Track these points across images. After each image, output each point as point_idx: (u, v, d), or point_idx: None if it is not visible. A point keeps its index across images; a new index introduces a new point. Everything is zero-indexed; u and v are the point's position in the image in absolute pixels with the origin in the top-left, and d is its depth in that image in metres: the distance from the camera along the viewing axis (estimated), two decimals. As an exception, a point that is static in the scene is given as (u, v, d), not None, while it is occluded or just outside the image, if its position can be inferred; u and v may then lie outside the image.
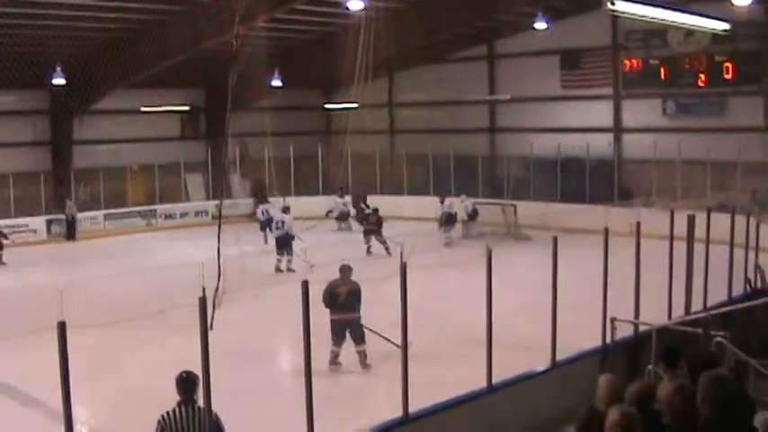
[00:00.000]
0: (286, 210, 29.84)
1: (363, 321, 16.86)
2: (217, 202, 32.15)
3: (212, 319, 12.86)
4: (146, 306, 14.10)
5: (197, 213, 40.76)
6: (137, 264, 28.51)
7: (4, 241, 31.62)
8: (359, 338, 16.87)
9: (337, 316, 16.66)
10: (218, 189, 35.73)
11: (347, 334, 16.83)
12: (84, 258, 31.23)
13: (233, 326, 18.21)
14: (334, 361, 16.80)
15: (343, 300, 16.62)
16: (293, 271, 26.25)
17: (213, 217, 36.70)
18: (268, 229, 32.13)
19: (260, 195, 39.54)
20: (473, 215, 35.18)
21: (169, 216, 41.20)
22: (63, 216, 37.18)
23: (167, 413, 9.00)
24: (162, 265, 28.24)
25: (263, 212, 34.41)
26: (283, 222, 28.73)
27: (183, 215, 40.86)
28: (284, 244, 28.27)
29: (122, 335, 16.68)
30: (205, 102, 43.71)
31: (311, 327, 10.39)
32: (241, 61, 22.77)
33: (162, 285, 18.66)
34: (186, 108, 43.23)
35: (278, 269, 27.61)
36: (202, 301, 9.54)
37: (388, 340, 14.99)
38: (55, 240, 36.40)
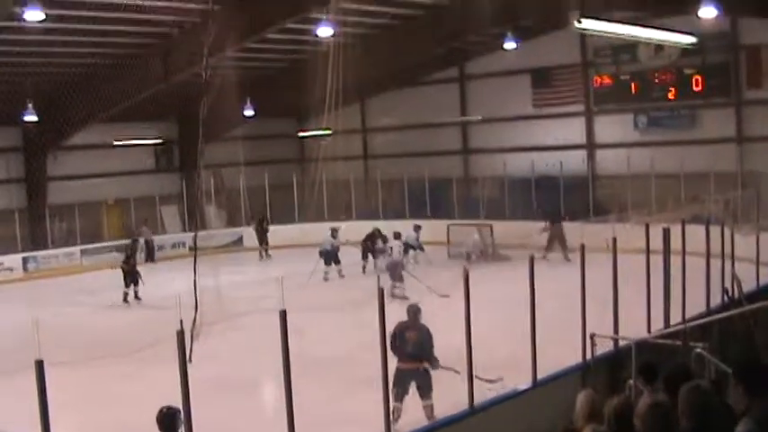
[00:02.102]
0: (398, 235, 30.04)
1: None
2: (193, 233, 32.11)
3: (191, 351, 12.83)
4: (125, 340, 14.09)
5: (173, 245, 40.52)
6: (116, 298, 28.50)
7: None
8: (426, 391, 14.49)
9: (404, 365, 14.33)
10: (193, 221, 35.66)
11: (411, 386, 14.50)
12: (61, 294, 31.08)
13: (212, 358, 18.12)
14: (397, 419, 13.88)
15: (411, 347, 14.36)
16: (407, 298, 24.32)
17: (190, 248, 36.54)
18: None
19: (261, 226, 39.34)
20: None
21: (145, 249, 40.95)
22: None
23: None
24: (140, 299, 28.32)
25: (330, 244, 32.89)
26: (391, 248, 29.05)
27: (159, 248, 40.67)
28: (394, 270, 27.55)
29: (103, 371, 16.60)
30: (178, 134, 43.62)
31: (291, 357, 10.37)
32: (212, 92, 22.77)
33: (141, 319, 18.64)
34: (160, 141, 43.15)
35: (393, 295, 25.86)
36: (180, 334, 9.52)
37: (481, 379, 13.96)
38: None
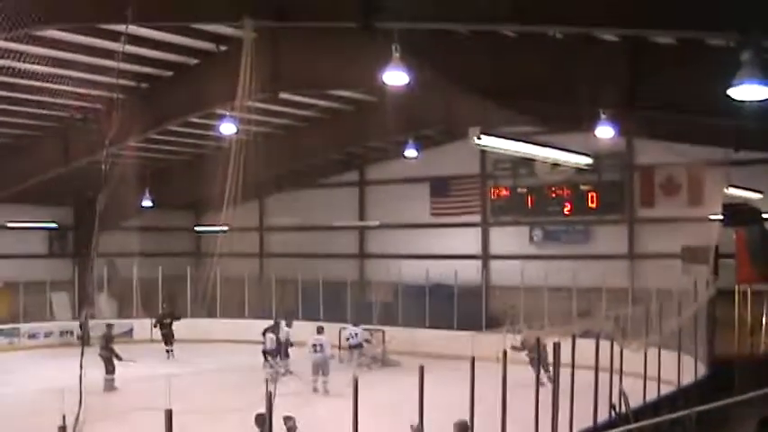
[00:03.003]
0: (321, 330, 30.33)
1: None
2: (82, 322, 31.50)
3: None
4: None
5: (62, 333, 39.63)
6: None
7: None
8: None
9: None
10: (83, 309, 35.08)
11: None
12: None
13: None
14: None
15: None
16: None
17: (78, 337, 35.91)
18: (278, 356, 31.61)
19: (167, 315, 38.22)
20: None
21: (33, 335, 39.99)
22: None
23: None
24: (22, 389, 27.56)
25: (272, 339, 31.96)
26: (322, 345, 29.27)
27: (47, 335, 39.82)
28: (323, 365, 28.75)
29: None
30: (74, 219, 43.07)
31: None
32: (111, 182, 22.55)
33: (23, 410, 18.14)
34: (54, 225, 42.52)
35: (315, 390, 28.11)
36: (62, 430, 9.33)
37: None
38: None
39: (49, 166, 33.92)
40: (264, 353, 31.49)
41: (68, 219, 43.12)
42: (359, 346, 33.59)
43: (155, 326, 37.55)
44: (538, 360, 20.10)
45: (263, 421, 12.03)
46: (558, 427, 17.15)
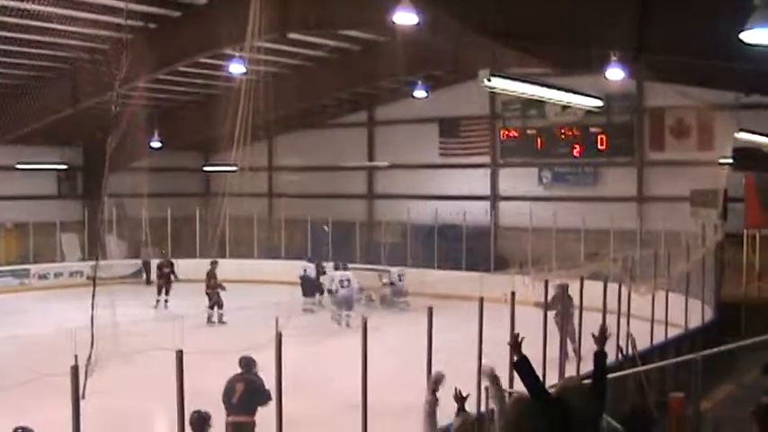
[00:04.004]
0: (346, 266, 32.21)
1: None
2: (92, 262, 31.50)
3: (84, 387, 12.64)
4: (17, 372, 13.77)
5: (72, 274, 39.83)
6: (9, 326, 27.85)
7: None
8: None
9: (228, 418, 13.91)
10: (93, 250, 35.09)
11: None
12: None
13: (105, 394, 17.82)
14: None
15: (236, 400, 13.97)
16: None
17: (88, 278, 35.91)
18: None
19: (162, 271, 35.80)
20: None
21: (43, 276, 40.25)
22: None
23: None
24: (35, 329, 27.68)
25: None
26: (349, 281, 30.33)
27: (57, 275, 40.00)
28: (348, 300, 29.91)
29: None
30: (83, 160, 43.05)
31: (187, 396, 10.28)
32: (120, 122, 22.57)
33: (34, 350, 18.24)
34: (64, 166, 42.46)
35: (338, 323, 29.32)
36: (74, 369, 9.38)
37: None
38: None
39: (58, 108, 33.80)
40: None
41: (78, 160, 43.06)
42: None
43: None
44: (562, 321, 19.95)
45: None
46: (564, 369, 17.24)
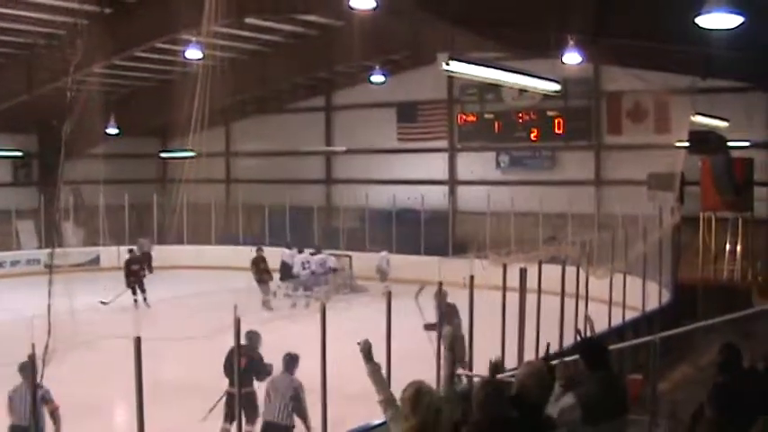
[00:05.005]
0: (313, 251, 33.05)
1: None
2: (49, 250, 31.22)
3: (42, 376, 12.56)
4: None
5: (28, 262, 39.54)
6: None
7: None
8: (250, 415, 14.79)
9: (231, 389, 14.82)
10: (50, 237, 34.84)
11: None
12: None
13: (63, 382, 17.66)
14: None
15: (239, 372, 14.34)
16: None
17: (45, 266, 35.62)
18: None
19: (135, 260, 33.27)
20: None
21: (-1, 264, 39.97)
22: None
23: None
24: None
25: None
26: (309, 263, 31.96)
27: (14, 263, 39.68)
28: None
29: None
30: (38, 147, 42.63)
31: (145, 384, 10.24)
32: (76, 108, 22.38)
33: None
34: (19, 153, 42.09)
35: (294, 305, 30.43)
36: (31, 357, 9.35)
37: None
38: None
39: (13, 94, 33.58)
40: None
41: (33, 147, 42.54)
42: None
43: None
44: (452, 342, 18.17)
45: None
46: (524, 352, 17.30)
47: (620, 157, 35.07)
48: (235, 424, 14.09)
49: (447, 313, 17.00)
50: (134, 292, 31.47)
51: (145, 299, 31.28)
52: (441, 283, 15.56)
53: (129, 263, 32.38)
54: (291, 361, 14.27)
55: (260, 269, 31.31)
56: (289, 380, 14.11)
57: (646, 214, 27.53)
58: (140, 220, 42.73)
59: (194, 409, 16.56)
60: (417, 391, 6.62)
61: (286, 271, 32.92)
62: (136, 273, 32.00)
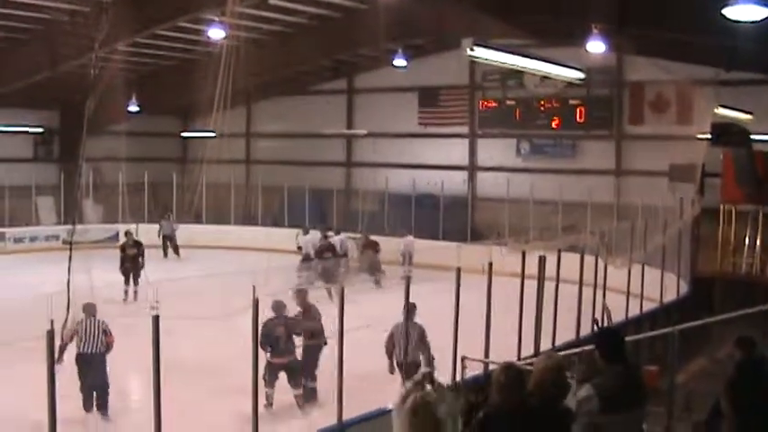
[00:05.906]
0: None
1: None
2: (68, 226, 31.19)
3: (61, 352, 12.65)
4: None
5: (47, 238, 39.63)
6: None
7: None
8: (296, 381, 16.01)
9: (274, 360, 15.80)
10: (69, 214, 34.89)
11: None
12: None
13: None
14: (271, 404, 15.88)
15: (282, 343, 15.72)
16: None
17: (64, 242, 35.72)
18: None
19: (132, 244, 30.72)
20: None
21: (19, 240, 40.05)
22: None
23: None
24: (10, 293, 27.48)
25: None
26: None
27: (32, 239, 39.83)
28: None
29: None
30: (60, 123, 42.73)
31: (163, 360, 10.28)
32: (98, 86, 22.42)
33: (10, 314, 18.14)
34: (40, 129, 42.21)
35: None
36: (50, 334, 9.38)
37: None
38: None
39: (36, 70, 33.63)
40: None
41: (54, 123, 42.70)
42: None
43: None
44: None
45: None
46: (540, 340, 17.31)
47: (641, 147, 34.96)
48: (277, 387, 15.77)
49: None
50: (126, 282, 28.54)
51: (136, 291, 27.46)
52: (459, 269, 15.52)
53: (124, 247, 30.06)
54: (413, 309, 15.42)
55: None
56: (414, 325, 15.48)
57: (666, 205, 27.48)
58: (157, 198, 42.74)
59: (213, 387, 16.67)
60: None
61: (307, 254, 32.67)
62: (133, 259, 29.22)
